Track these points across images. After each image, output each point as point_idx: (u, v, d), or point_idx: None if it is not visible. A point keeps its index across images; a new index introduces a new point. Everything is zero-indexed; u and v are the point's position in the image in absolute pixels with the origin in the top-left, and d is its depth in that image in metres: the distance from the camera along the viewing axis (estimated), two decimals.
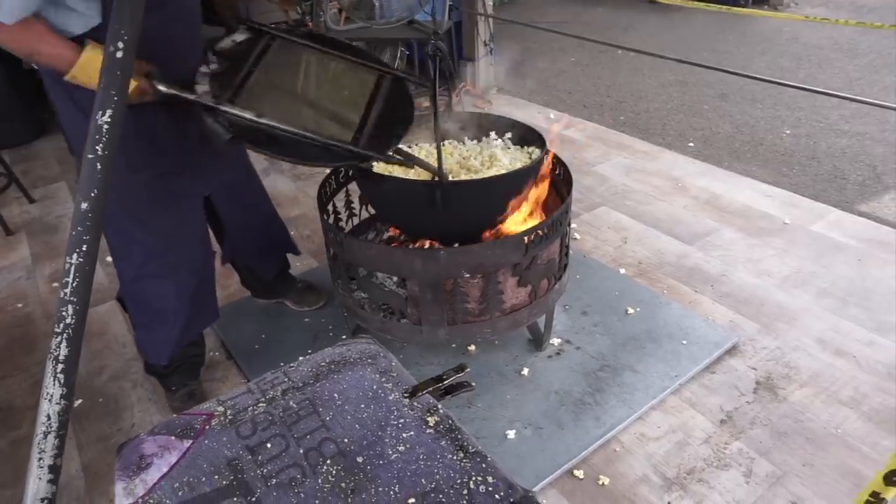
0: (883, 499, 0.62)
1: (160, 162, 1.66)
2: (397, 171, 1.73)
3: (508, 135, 1.99)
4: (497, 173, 1.74)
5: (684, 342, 2.09)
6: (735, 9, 4.25)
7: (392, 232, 2.13)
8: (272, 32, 1.67)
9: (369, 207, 2.20)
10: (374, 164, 1.80)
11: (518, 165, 1.82)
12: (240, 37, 1.64)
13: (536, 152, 1.88)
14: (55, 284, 2.66)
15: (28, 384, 2.13)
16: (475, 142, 2.01)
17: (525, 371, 2.01)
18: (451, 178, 1.75)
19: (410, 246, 1.95)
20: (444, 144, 1.97)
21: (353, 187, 2.09)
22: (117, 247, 1.77)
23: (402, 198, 1.75)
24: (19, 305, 2.55)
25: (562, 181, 1.99)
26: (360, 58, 1.66)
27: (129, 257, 1.77)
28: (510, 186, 1.72)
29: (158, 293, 1.80)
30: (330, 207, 2.02)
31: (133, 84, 1.42)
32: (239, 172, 1.97)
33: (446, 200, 1.58)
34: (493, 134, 2.01)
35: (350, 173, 2.07)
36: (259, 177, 2.09)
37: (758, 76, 3.66)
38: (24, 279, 2.71)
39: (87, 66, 1.37)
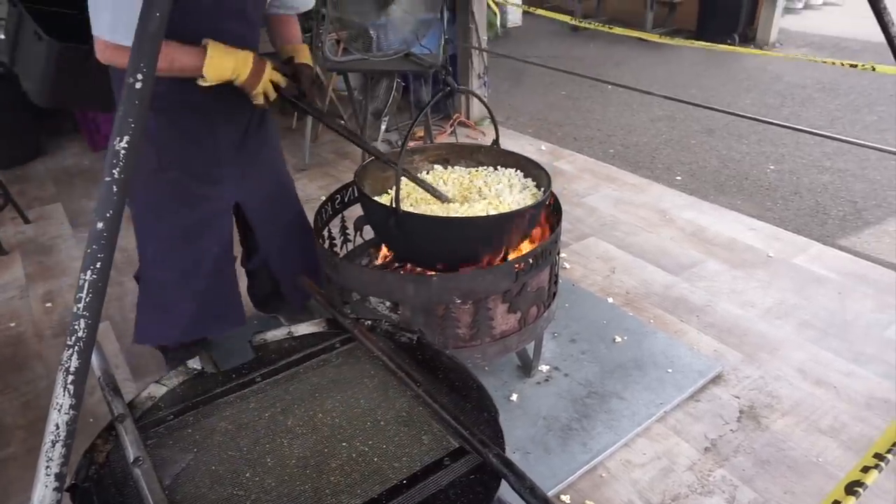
0: None
1: (189, 164, 1.80)
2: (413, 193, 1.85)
3: (531, 181, 1.97)
4: (477, 213, 1.78)
5: (670, 370, 2.14)
6: (721, 46, 4.40)
7: (383, 259, 2.18)
8: (355, 335, 1.14)
9: (363, 233, 2.25)
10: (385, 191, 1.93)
11: (514, 206, 1.83)
12: (303, 329, 1.20)
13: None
14: (49, 304, 2.67)
15: (18, 403, 2.13)
16: (514, 170, 2.01)
17: (514, 397, 2.04)
18: (452, 204, 1.82)
19: (402, 272, 1.99)
20: (476, 170, 2.04)
21: (348, 213, 2.15)
22: (139, 233, 1.93)
23: (373, 216, 1.87)
24: (11, 325, 2.56)
25: (551, 211, 2.05)
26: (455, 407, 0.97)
27: (146, 246, 1.91)
28: (465, 231, 1.73)
29: (165, 287, 1.93)
30: (325, 233, 2.07)
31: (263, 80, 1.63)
32: (270, 185, 2.04)
33: (399, 227, 1.66)
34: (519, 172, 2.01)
35: (346, 200, 2.13)
36: (299, 200, 2.18)
37: (743, 114, 3.78)
38: (17, 299, 2.73)
39: (217, 65, 1.54)
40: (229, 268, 2.02)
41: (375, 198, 1.82)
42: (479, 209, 1.79)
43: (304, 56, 1.87)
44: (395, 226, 1.65)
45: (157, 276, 1.95)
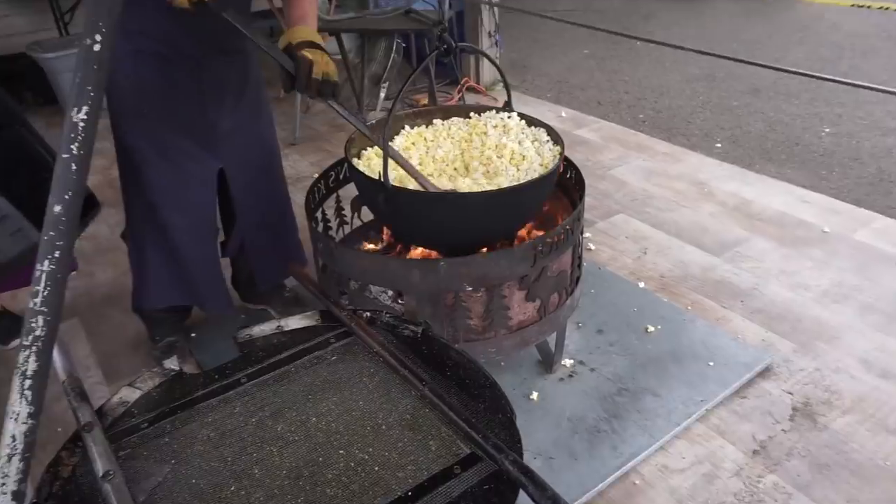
0: None
1: (171, 113, 1.85)
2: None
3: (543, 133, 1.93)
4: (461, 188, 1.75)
5: (711, 363, 2.12)
6: None
7: (386, 241, 2.17)
8: (352, 328, 1.17)
9: (361, 215, 2.24)
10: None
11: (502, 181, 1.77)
12: (295, 323, 1.23)
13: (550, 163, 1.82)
14: None
15: None
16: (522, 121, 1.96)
17: (534, 395, 2.04)
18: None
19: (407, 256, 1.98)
20: (477, 116, 2.00)
21: (344, 193, 2.13)
22: (123, 187, 2.00)
23: (364, 193, 1.87)
24: None
25: (573, 185, 2.03)
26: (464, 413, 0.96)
27: (130, 201, 2.02)
28: (454, 207, 1.69)
29: (145, 249, 2.03)
30: (319, 215, 2.06)
31: None
32: (258, 155, 2.09)
33: (389, 204, 1.65)
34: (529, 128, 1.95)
35: (340, 178, 2.11)
36: (284, 177, 2.24)
37: (793, 69, 3.71)
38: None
39: None
40: (211, 242, 2.10)
41: (364, 169, 1.79)
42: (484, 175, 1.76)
43: (299, 36, 1.73)
44: (385, 203, 1.64)
45: (138, 236, 2.05)
